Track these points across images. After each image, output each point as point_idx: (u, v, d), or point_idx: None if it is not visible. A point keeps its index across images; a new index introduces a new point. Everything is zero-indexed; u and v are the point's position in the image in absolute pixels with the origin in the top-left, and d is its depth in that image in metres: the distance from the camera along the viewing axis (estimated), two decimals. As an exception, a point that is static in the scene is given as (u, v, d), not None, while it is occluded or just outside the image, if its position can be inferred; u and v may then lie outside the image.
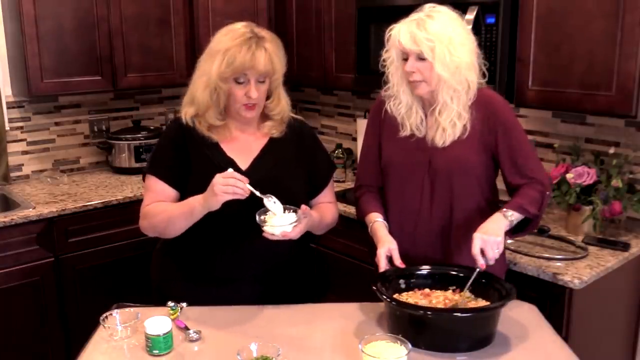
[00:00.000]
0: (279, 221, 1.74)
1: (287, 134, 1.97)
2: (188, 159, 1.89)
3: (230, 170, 1.73)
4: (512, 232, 1.86)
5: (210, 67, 1.83)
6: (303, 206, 1.79)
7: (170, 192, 1.90)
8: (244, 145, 1.94)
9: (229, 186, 1.68)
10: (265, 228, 1.73)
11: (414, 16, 1.81)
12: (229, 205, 1.72)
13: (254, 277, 1.96)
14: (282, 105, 1.94)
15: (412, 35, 1.77)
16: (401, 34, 1.79)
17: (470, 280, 1.71)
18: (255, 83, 1.82)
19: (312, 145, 2.05)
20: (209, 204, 1.73)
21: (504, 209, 1.80)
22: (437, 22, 1.77)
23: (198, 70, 1.90)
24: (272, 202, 1.76)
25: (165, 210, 1.86)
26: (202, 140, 1.89)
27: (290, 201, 1.82)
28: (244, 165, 1.91)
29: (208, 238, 1.89)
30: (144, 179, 1.97)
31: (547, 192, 1.85)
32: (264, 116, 1.96)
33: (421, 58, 1.78)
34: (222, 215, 1.75)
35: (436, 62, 1.76)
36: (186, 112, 1.91)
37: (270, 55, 1.81)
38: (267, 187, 1.78)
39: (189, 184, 1.88)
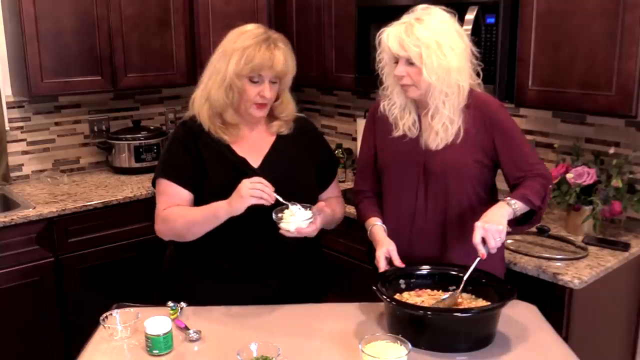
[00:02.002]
0: (295, 218, 1.78)
1: (293, 131, 2.00)
2: (201, 162, 1.90)
3: (256, 177, 1.76)
4: (515, 223, 1.83)
5: (225, 65, 1.86)
6: (319, 203, 1.86)
7: (185, 194, 1.91)
8: (253, 144, 1.96)
9: (256, 190, 1.71)
10: (281, 225, 1.77)
11: (404, 19, 1.81)
12: (250, 208, 1.75)
13: (271, 273, 1.96)
14: (290, 108, 1.99)
15: (400, 40, 1.77)
16: (390, 38, 1.79)
17: (470, 269, 1.69)
18: (269, 83, 1.86)
19: (317, 140, 2.09)
20: (235, 207, 1.75)
21: (508, 198, 1.78)
22: (426, 27, 1.76)
23: (210, 70, 1.92)
24: (296, 207, 1.80)
25: (186, 214, 1.87)
26: (212, 140, 1.91)
27: (304, 196, 1.86)
28: (255, 163, 1.93)
29: (227, 237, 1.89)
30: (153, 185, 1.98)
31: (550, 185, 1.84)
32: (272, 116, 1.98)
33: (410, 62, 1.78)
34: (241, 216, 1.77)
35: (424, 68, 1.76)
36: (200, 112, 1.92)
37: (285, 56, 1.86)
38: (280, 185, 1.80)
39: (205, 186, 1.89)
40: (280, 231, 1.77)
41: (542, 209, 1.83)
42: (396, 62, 1.82)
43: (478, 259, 1.69)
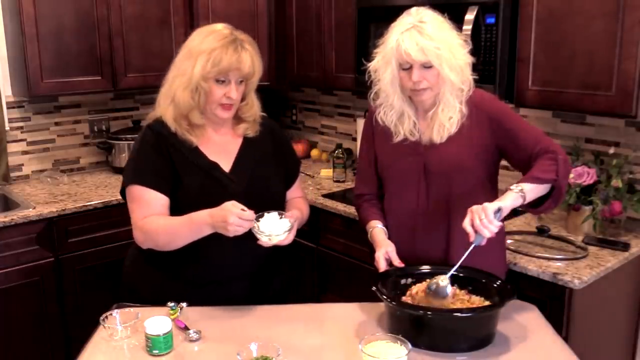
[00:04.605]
0: (272, 227, 1.74)
1: (259, 133, 2.00)
2: (174, 168, 1.87)
3: (245, 209, 1.68)
4: (535, 205, 1.78)
5: (190, 67, 1.83)
6: (294, 211, 1.83)
7: (163, 200, 1.86)
8: (221, 147, 1.95)
9: (242, 228, 1.67)
10: (262, 238, 1.73)
11: (405, 24, 1.78)
12: None
13: (243, 275, 1.95)
14: (255, 109, 1.98)
15: (418, 45, 1.74)
16: (407, 45, 1.75)
17: (464, 256, 1.66)
18: (235, 84, 1.85)
19: (282, 140, 2.11)
20: (218, 230, 1.72)
21: (512, 185, 1.74)
22: (435, 28, 1.76)
23: (174, 71, 1.90)
24: (275, 216, 1.76)
25: (168, 227, 1.82)
26: (181, 145, 1.88)
27: (274, 199, 1.88)
28: (226, 167, 1.93)
29: (199, 243, 1.84)
30: (122, 194, 1.94)
31: (561, 156, 1.77)
32: (238, 118, 1.98)
33: (426, 66, 1.77)
34: None
35: (444, 67, 1.76)
36: (165, 113, 1.89)
37: (252, 57, 1.85)
38: (252, 187, 1.82)
39: (180, 194, 1.86)
40: (259, 242, 1.74)
41: (559, 180, 1.75)
42: (405, 69, 1.80)
43: (473, 244, 1.64)
